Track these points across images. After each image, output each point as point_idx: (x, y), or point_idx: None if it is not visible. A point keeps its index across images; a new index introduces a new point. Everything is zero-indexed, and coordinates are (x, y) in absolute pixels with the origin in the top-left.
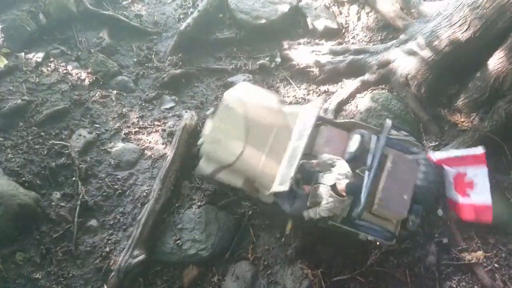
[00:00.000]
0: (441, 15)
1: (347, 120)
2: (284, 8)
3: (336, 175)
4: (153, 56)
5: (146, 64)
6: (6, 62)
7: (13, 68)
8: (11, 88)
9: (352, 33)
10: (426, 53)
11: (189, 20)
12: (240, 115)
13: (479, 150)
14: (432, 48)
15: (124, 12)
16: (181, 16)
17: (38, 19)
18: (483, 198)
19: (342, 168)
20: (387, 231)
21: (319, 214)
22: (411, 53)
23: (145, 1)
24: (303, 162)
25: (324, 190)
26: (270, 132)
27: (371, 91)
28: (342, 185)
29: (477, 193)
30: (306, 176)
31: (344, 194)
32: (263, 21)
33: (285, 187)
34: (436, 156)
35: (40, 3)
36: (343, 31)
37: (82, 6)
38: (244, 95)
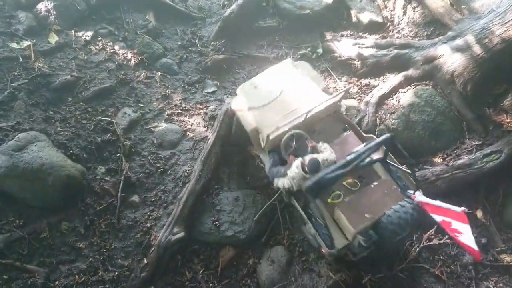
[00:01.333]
0: (494, 12)
1: (369, 135)
2: (328, 0)
3: (315, 155)
4: (196, 41)
5: (190, 48)
6: (57, 38)
7: (63, 45)
8: (61, 64)
9: (397, 28)
10: (475, 51)
11: (233, 6)
12: (288, 77)
13: (459, 209)
14: (482, 45)
15: None
16: (226, 3)
17: None
18: (472, 245)
19: (326, 155)
20: (331, 240)
21: (282, 184)
22: (459, 50)
23: None
24: (303, 134)
25: (296, 163)
26: (300, 104)
27: (414, 86)
28: (307, 160)
29: (465, 239)
30: (300, 149)
31: (307, 169)
32: (307, 11)
33: (268, 131)
34: (419, 198)
35: None
36: (388, 25)
37: None
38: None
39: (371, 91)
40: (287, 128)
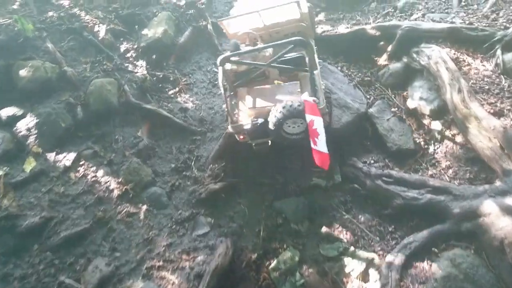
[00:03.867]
0: None
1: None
2: (348, 117)
3: None
4: (193, 163)
5: (184, 173)
6: (34, 164)
7: (39, 174)
8: (32, 200)
9: (432, 158)
10: None
11: None
12: None
13: (311, 98)
14: None
15: (169, 104)
16: None
17: (75, 112)
18: (323, 148)
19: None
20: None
21: None
22: (511, 211)
23: (194, 90)
24: (255, 34)
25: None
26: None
27: (451, 248)
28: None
29: (320, 142)
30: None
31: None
32: None
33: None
34: (304, 97)
35: (80, 93)
36: (421, 152)
37: (124, 97)
38: None
39: (396, 242)
40: (248, 30)
